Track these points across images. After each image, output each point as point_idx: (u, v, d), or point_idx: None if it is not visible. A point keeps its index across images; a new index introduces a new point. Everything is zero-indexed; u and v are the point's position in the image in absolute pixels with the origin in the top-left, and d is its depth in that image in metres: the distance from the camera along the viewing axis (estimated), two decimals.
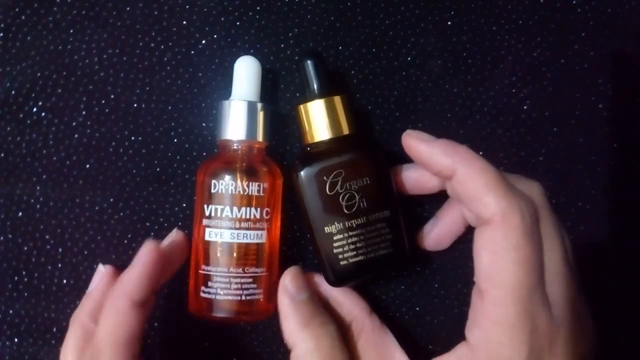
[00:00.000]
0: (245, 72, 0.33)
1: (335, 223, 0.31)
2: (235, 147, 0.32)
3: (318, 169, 0.31)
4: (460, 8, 0.37)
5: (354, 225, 0.31)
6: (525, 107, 0.37)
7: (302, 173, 0.31)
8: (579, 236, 0.36)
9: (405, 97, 0.37)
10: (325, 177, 0.31)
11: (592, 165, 0.38)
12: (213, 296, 0.31)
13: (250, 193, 0.31)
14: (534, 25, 0.37)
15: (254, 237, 0.31)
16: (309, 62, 0.32)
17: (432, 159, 0.30)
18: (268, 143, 0.34)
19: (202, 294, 0.31)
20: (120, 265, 0.34)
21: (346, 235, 0.31)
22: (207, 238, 0.31)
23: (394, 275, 0.36)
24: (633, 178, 0.38)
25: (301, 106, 0.33)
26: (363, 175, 0.31)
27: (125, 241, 0.36)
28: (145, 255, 0.30)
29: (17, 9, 0.36)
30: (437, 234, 0.34)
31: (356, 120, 0.33)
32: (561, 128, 0.37)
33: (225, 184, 0.31)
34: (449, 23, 0.37)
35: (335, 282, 0.32)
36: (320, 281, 0.33)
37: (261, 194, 0.31)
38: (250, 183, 0.31)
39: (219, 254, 0.31)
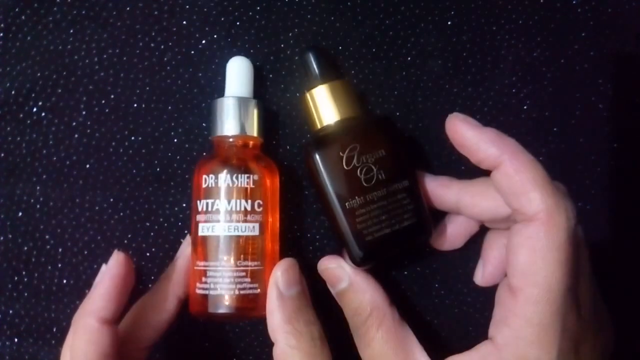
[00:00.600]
0: (237, 71, 0.33)
1: (356, 197, 0.31)
2: (228, 143, 0.33)
3: (332, 147, 0.31)
4: (460, 8, 0.37)
5: (375, 198, 0.31)
6: (525, 107, 0.37)
7: (316, 154, 0.31)
8: None
9: (405, 97, 0.37)
10: (340, 153, 0.31)
11: (592, 165, 0.38)
12: (207, 292, 0.31)
13: (239, 185, 0.31)
14: (534, 25, 0.37)
15: (245, 229, 0.31)
16: (310, 53, 0.33)
17: (479, 147, 0.29)
18: (262, 139, 0.34)
19: (197, 291, 0.31)
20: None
21: (368, 209, 0.31)
22: (200, 233, 0.31)
23: (416, 253, 0.36)
24: (633, 178, 0.38)
25: (307, 94, 0.33)
26: (378, 147, 0.31)
27: (125, 241, 0.36)
28: (112, 267, 0.29)
29: (17, 9, 0.36)
30: (451, 233, 0.34)
31: (361, 102, 0.33)
32: (561, 128, 0.37)
33: (215, 178, 0.31)
34: (449, 23, 0.37)
35: (362, 258, 0.31)
36: (340, 269, 0.32)
37: (251, 185, 0.31)
38: (239, 175, 0.31)
39: (212, 249, 0.31)
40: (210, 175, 0.31)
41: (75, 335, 0.29)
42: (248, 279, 0.31)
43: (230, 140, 0.32)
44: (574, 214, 0.27)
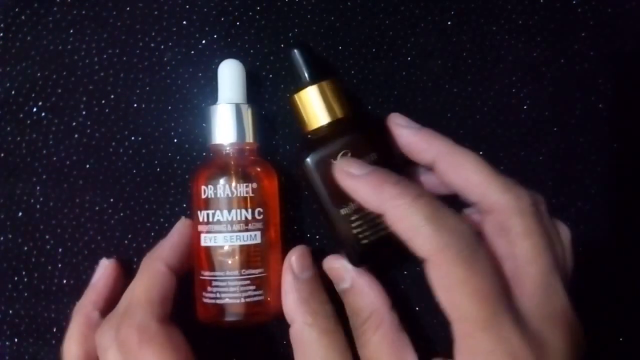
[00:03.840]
0: (228, 75, 0.33)
1: (350, 204, 0.30)
2: (225, 151, 0.32)
3: (324, 153, 0.31)
4: (460, 8, 0.37)
5: None
6: (525, 107, 0.37)
7: (308, 160, 0.31)
8: (579, 236, 0.36)
9: (405, 97, 0.37)
10: (332, 160, 0.31)
11: (592, 165, 0.38)
12: (214, 301, 0.31)
13: (238, 195, 0.31)
14: (534, 25, 0.37)
15: (247, 238, 0.31)
16: (295, 51, 0.32)
17: (360, 197, 0.29)
18: (259, 144, 0.33)
19: (204, 300, 0.31)
20: (124, 260, 0.35)
21: (362, 214, 0.31)
22: (202, 244, 0.31)
23: (406, 264, 0.36)
24: (633, 178, 0.38)
25: (295, 96, 0.32)
26: (369, 151, 0.31)
27: (125, 241, 0.36)
28: (182, 227, 0.33)
29: (17, 9, 0.36)
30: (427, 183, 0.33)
31: (350, 102, 0.33)
32: (561, 128, 0.37)
33: (214, 189, 0.31)
34: (449, 23, 0.37)
35: (359, 262, 0.31)
36: (343, 270, 0.32)
37: (250, 194, 0.31)
38: (239, 185, 0.31)
39: (215, 259, 0.31)
40: (209, 186, 0.31)
41: (141, 275, 0.31)
42: (253, 287, 0.31)
43: (227, 148, 0.32)
44: (468, 240, 0.26)
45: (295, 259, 0.32)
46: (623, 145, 0.38)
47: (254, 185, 0.31)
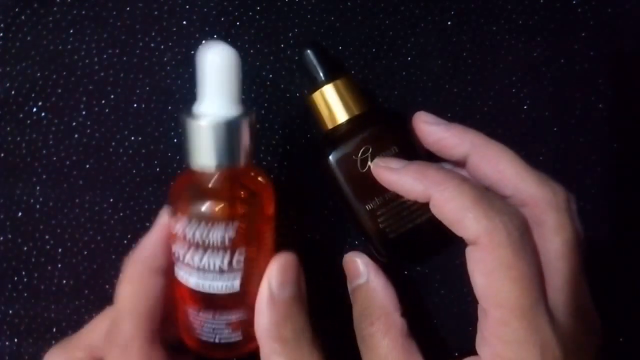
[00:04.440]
0: (217, 72, 0.24)
1: (375, 199, 0.31)
2: (208, 178, 0.26)
3: (346, 150, 0.31)
4: (460, 8, 0.37)
5: (393, 196, 0.31)
6: (525, 107, 0.37)
7: (330, 158, 0.31)
8: None
9: (405, 97, 0.37)
10: (354, 156, 0.31)
11: (592, 165, 0.38)
12: (190, 332, 0.28)
13: (214, 241, 0.25)
14: (534, 25, 0.37)
15: (222, 287, 0.26)
16: (309, 52, 0.32)
17: (403, 188, 0.29)
18: (252, 160, 0.27)
19: (182, 326, 0.29)
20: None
21: (388, 207, 0.31)
22: (177, 277, 0.28)
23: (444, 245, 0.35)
24: (633, 178, 0.38)
25: (312, 96, 0.33)
26: (390, 145, 0.31)
27: (125, 241, 0.36)
28: (164, 219, 0.29)
29: (17, 9, 0.36)
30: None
31: (367, 97, 0.33)
32: (561, 128, 0.37)
33: (184, 227, 0.25)
34: (449, 23, 0.37)
35: (389, 256, 0.31)
36: (361, 266, 0.32)
37: (232, 236, 0.25)
38: (214, 230, 0.25)
39: (189, 295, 0.27)
40: (180, 223, 0.25)
41: (124, 282, 0.28)
42: (227, 330, 0.27)
43: (210, 175, 0.26)
44: (516, 226, 0.26)
45: (275, 272, 0.28)
46: (623, 145, 0.38)
47: (236, 224, 0.25)
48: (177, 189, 0.27)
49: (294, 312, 0.28)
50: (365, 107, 0.32)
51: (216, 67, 0.24)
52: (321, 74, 0.32)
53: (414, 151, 0.32)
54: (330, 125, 0.33)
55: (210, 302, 0.27)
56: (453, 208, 0.27)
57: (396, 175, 0.30)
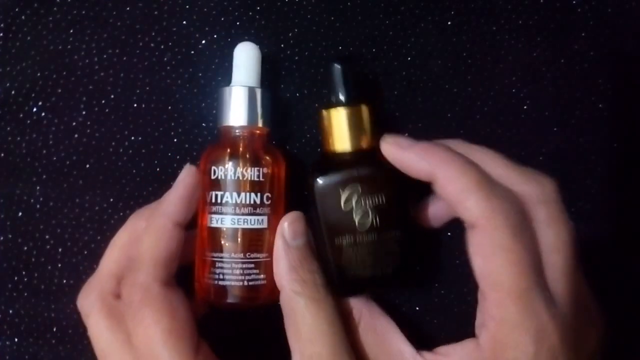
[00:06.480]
0: (245, 59, 0.32)
1: (346, 236, 0.31)
2: (236, 134, 0.32)
3: (335, 181, 0.31)
4: (460, 8, 0.37)
5: (365, 242, 0.31)
6: (525, 107, 0.37)
7: (318, 180, 0.31)
8: (579, 236, 0.36)
9: (405, 97, 0.37)
10: (340, 190, 0.31)
11: (592, 165, 0.38)
12: (216, 282, 0.31)
13: (249, 178, 0.31)
14: (534, 25, 0.37)
15: (254, 222, 0.31)
16: (337, 66, 0.32)
17: (410, 165, 0.30)
18: (269, 129, 0.33)
19: (206, 280, 0.31)
20: None
21: (356, 249, 0.31)
22: (209, 225, 0.31)
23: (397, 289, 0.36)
24: (633, 178, 0.38)
25: (325, 112, 0.32)
26: (379, 192, 0.31)
27: None
28: (185, 177, 0.31)
29: (17, 9, 0.36)
30: (433, 212, 0.33)
31: (378, 133, 0.32)
32: (561, 128, 0.37)
33: (225, 170, 0.31)
34: (449, 23, 0.37)
35: (341, 292, 0.32)
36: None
37: (261, 179, 0.31)
38: (250, 168, 0.31)
39: (222, 240, 0.31)
40: (220, 167, 0.31)
41: (147, 232, 0.30)
42: (256, 271, 0.31)
43: (237, 131, 0.32)
44: (515, 211, 0.27)
45: (287, 225, 0.31)
46: (623, 145, 0.38)
47: (265, 170, 0.31)
48: (212, 147, 0.32)
49: (307, 257, 0.31)
50: (372, 144, 0.32)
51: (244, 56, 0.32)
52: (340, 94, 0.32)
53: (401, 206, 0.31)
54: (332, 148, 0.32)
55: (242, 241, 0.31)
56: (456, 189, 0.28)
57: (403, 152, 0.30)
